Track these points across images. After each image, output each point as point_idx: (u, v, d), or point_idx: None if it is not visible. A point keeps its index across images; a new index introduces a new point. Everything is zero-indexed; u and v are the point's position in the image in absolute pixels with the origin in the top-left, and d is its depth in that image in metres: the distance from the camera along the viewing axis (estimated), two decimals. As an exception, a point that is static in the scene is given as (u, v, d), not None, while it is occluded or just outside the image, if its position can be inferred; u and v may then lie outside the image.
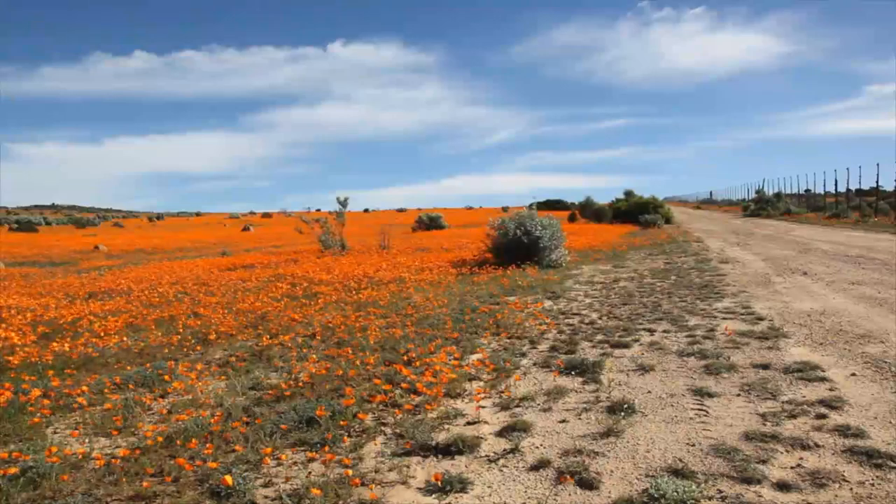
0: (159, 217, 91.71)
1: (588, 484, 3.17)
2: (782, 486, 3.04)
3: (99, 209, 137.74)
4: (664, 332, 6.51)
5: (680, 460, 3.38)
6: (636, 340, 6.16)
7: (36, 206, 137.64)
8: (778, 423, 3.84)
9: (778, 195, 44.87)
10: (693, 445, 3.58)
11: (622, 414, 4.09)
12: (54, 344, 6.61)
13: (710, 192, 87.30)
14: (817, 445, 3.50)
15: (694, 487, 3.01)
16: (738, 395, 4.42)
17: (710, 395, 4.40)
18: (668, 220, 31.76)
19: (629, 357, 5.55)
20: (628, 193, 37.78)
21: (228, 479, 3.12)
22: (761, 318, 6.94)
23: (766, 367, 5.05)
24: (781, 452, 3.42)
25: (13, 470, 3.39)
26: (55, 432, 4.19)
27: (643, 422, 3.99)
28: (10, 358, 5.95)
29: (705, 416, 4.05)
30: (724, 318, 7.05)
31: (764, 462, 3.30)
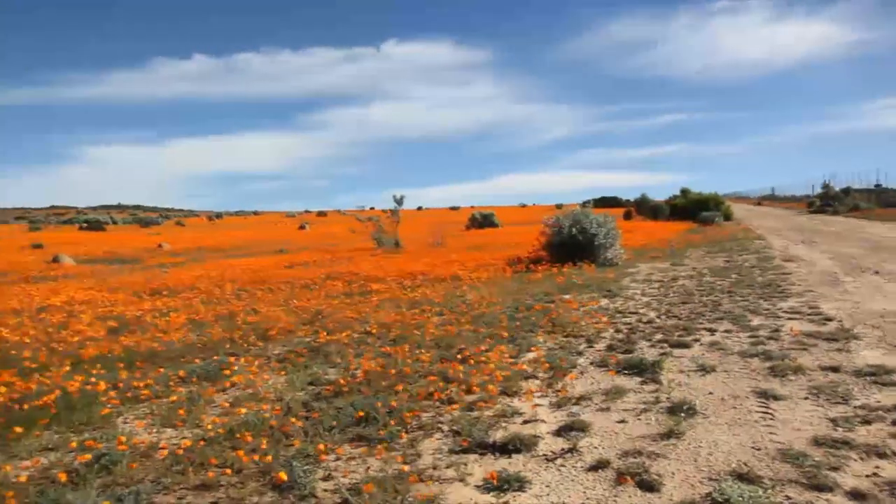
0: (219, 216, 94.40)
1: (649, 486, 3.11)
2: (856, 496, 2.91)
3: (161, 209, 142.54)
4: (726, 331, 6.34)
5: (745, 464, 3.28)
6: (696, 340, 6.01)
7: (103, 206, 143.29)
8: (850, 428, 3.69)
9: (846, 190, 43.15)
10: (759, 449, 3.47)
11: (683, 415, 4.00)
12: (122, 338, 6.87)
13: (772, 189, 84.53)
14: (895, 454, 3.34)
15: (760, 493, 2.92)
16: (806, 398, 4.27)
17: (776, 398, 4.26)
18: (727, 217, 30.88)
19: (689, 357, 5.43)
20: (685, 190, 36.90)
21: (284, 475, 3.19)
22: (829, 319, 6.68)
23: (835, 369, 4.86)
24: (855, 460, 3.28)
25: (88, 457, 3.54)
26: (125, 422, 4.36)
27: (705, 424, 3.89)
28: (83, 351, 6.21)
29: (771, 419, 3.92)
30: (790, 319, 6.82)
31: (836, 469, 3.17)
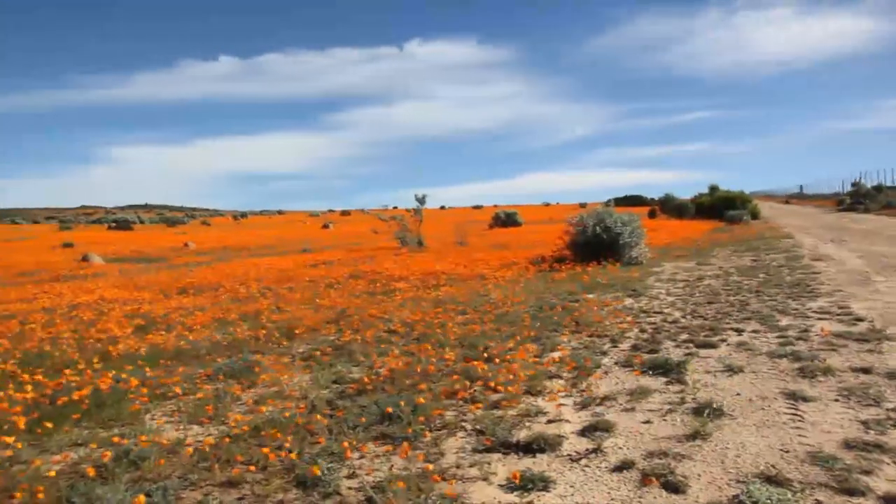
0: (243, 215, 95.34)
1: (674, 487, 3.08)
2: (890, 501, 2.85)
3: (187, 208, 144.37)
4: (753, 332, 6.25)
5: (773, 466, 3.23)
6: (723, 340, 5.93)
7: (130, 206, 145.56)
8: (883, 431, 3.61)
9: (878, 188, 42.29)
10: (787, 452, 3.41)
11: (709, 416, 3.94)
12: (150, 336, 6.97)
13: (800, 186, 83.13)
14: (927, 456, 3.27)
15: (789, 496, 2.87)
16: (836, 400, 4.19)
17: (805, 400, 4.19)
18: (754, 216, 30.41)
19: (716, 357, 5.36)
20: (713, 188, 36.42)
21: (316, 469, 3.21)
22: (860, 319, 6.55)
23: (866, 371, 4.76)
24: (888, 463, 3.21)
25: (114, 453, 3.59)
26: (153, 419, 4.41)
27: (732, 425, 3.84)
28: (112, 348, 6.31)
29: (800, 421, 3.85)
30: (819, 319, 6.70)
31: (868, 473, 3.11)
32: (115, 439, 3.88)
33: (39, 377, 5.19)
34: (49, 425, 4.09)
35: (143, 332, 7.30)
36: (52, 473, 3.40)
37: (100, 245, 27.01)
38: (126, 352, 6.19)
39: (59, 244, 28.92)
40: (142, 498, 2.98)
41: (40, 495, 3.13)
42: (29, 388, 4.78)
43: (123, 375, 5.16)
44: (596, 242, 12.78)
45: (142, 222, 65.74)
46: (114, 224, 54.48)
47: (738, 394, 4.40)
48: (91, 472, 3.37)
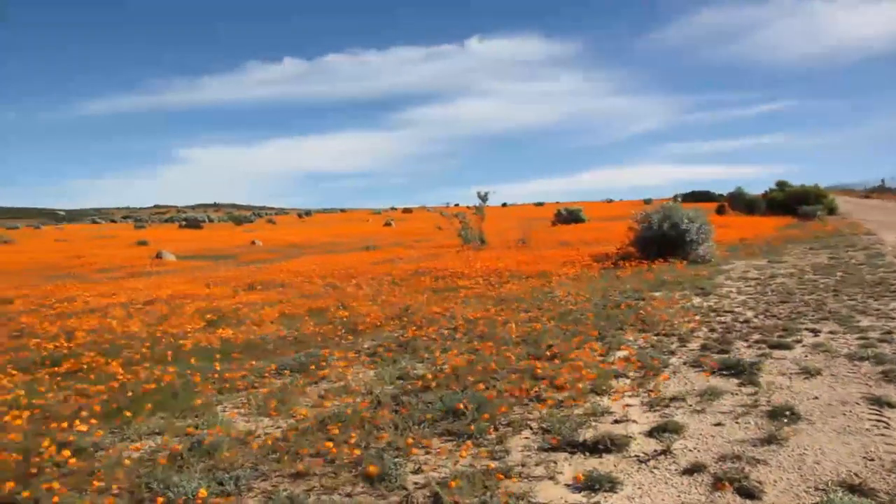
0: (308, 213, 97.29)
1: (748, 493, 2.97)
2: (985, 511, 2.68)
3: (254, 206, 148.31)
4: (831, 333, 5.97)
5: (856, 475, 3.08)
6: (798, 341, 5.69)
7: (200, 205, 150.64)
8: (976, 439, 3.40)
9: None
10: (872, 460, 3.24)
11: (785, 420, 3.79)
12: (220, 330, 7.19)
13: (882, 180, 78.87)
14: None
15: (874, 505, 2.73)
16: (925, 405, 3.96)
17: (891, 405, 3.98)
18: (831, 211, 29.06)
19: (791, 359, 5.15)
20: (781, 183, 35.01)
21: (374, 468, 3.24)
22: (950, 321, 6.18)
23: (958, 375, 4.48)
24: (982, 473, 3.02)
25: (188, 442, 3.73)
26: (223, 410, 4.55)
27: (810, 430, 3.68)
28: (184, 342, 6.54)
29: (885, 427, 3.66)
30: (904, 320, 6.35)
31: (960, 482, 2.93)
32: (189, 429, 4.03)
33: (118, 368, 5.43)
34: (127, 414, 4.27)
35: (214, 326, 7.54)
36: (131, 460, 3.55)
37: (172, 243, 28.08)
38: (197, 346, 6.41)
39: (135, 242, 30.23)
40: (205, 490, 3.08)
41: (120, 481, 3.27)
42: (109, 378, 5.00)
43: (194, 368, 5.34)
44: (662, 239, 12.48)
45: (211, 221, 68.02)
46: (185, 223, 56.58)
47: (815, 397, 4.21)
48: (167, 460, 3.50)
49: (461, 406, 4.06)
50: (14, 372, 5.39)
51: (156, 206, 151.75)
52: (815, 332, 6.01)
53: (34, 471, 3.43)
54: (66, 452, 3.57)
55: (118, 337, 6.83)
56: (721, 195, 50.04)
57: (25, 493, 3.11)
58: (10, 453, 3.53)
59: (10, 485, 3.19)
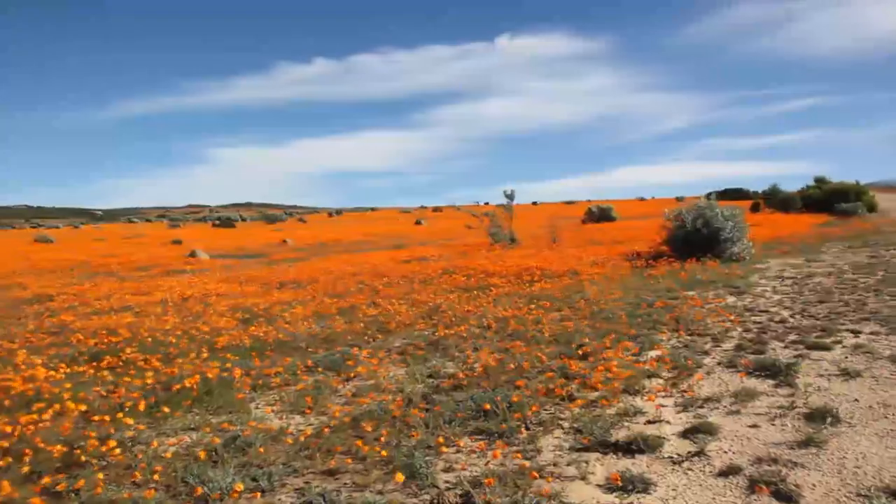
0: (338, 212, 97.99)
1: (786, 497, 2.92)
2: None
3: (285, 206, 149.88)
4: (872, 333, 5.83)
5: (899, 479, 3.00)
6: (838, 342, 5.57)
7: (233, 205, 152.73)
8: None
9: None
10: (915, 463, 3.16)
11: (824, 423, 3.71)
12: (252, 328, 7.28)
13: (924, 177, 76.74)
14: None
15: (918, 511, 2.65)
16: (971, 408, 3.84)
17: (935, 408, 3.87)
18: (871, 209, 28.32)
19: (830, 360, 5.04)
20: (820, 180, 34.20)
21: (404, 467, 3.26)
22: None
23: None
24: None
25: (222, 439, 3.79)
26: (257, 407, 4.61)
27: (850, 433, 3.59)
28: (217, 339, 6.63)
29: (929, 430, 3.56)
30: (948, 320, 6.17)
31: None
32: (224, 425, 4.09)
33: (156, 364, 5.54)
34: (165, 409, 4.36)
35: (247, 324, 7.63)
36: (169, 455, 3.62)
37: (205, 242, 28.51)
38: (230, 343, 6.50)
39: (169, 241, 30.73)
40: (240, 485, 3.12)
41: (158, 474, 3.34)
42: (146, 374, 5.10)
43: (228, 365, 5.42)
44: (695, 238, 12.30)
45: (243, 220, 68.89)
46: (217, 222, 57.40)
47: (856, 400, 4.12)
48: (203, 455, 3.56)
49: (492, 405, 4.05)
50: (62, 366, 5.52)
51: (189, 206, 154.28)
52: (856, 333, 5.87)
53: (82, 459, 3.53)
54: (112, 443, 3.66)
55: (155, 334, 6.95)
56: (756, 193, 49.15)
57: (61, 487, 3.20)
58: (56, 445, 3.62)
59: (55, 476, 3.29)
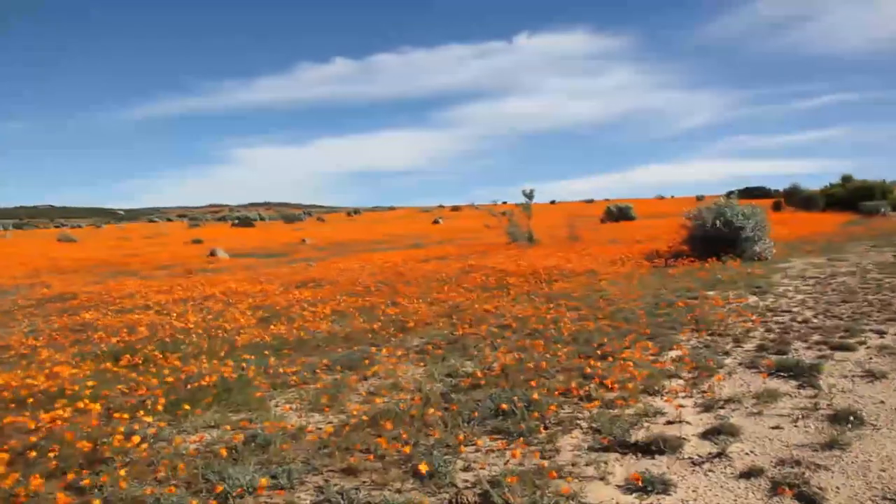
0: (356, 212, 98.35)
1: (809, 500, 2.88)
2: None
3: (304, 205, 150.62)
4: (897, 334, 5.74)
5: (925, 482, 2.95)
6: (862, 343, 5.49)
7: (252, 204, 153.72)
8: None
9: None
10: (942, 467, 3.10)
11: (848, 425, 3.66)
12: (272, 327, 7.33)
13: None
14: None
15: (946, 515, 2.61)
16: None
17: (962, 410, 3.80)
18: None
19: (854, 361, 4.97)
20: (846, 178, 33.71)
21: (423, 465, 3.26)
22: None
23: None
24: None
25: (243, 436, 3.82)
26: (276, 405, 4.64)
27: (875, 436, 3.54)
28: (237, 337, 6.69)
29: (956, 433, 3.50)
30: (976, 321, 6.05)
31: None
32: (244, 423, 4.12)
33: (176, 362, 5.60)
34: (186, 407, 4.40)
35: (266, 323, 7.69)
36: (191, 452, 3.65)
37: (225, 241, 28.75)
38: (250, 341, 6.55)
39: (190, 240, 31.06)
40: (265, 481, 3.14)
41: (181, 471, 3.38)
42: (167, 372, 5.16)
43: (247, 364, 5.46)
44: (715, 237, 12.18)
45: (262, 219, 69.42)
46: (237, 221, 57.86)
47: (881, 402, 4.06)
48: (224, 452, 3.59)
49: (510, 405, 4.05)
50: (87, 363, 5.61)
51: (210, 205, 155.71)
52: (881, 334, 5.78)
53: (107, 455, 3.59)
54: (136, 439, 3.71)
55: (176, 332, 7.03)
56: (777, 191, 48.61)
57: (85, 482, 3.24)
58: (80, 440, 3.68)
59: (80, 472, 3.34)
